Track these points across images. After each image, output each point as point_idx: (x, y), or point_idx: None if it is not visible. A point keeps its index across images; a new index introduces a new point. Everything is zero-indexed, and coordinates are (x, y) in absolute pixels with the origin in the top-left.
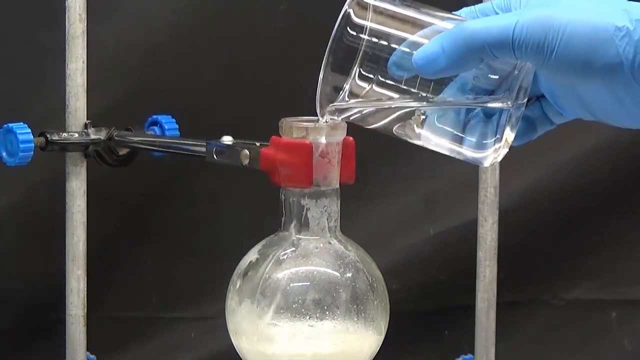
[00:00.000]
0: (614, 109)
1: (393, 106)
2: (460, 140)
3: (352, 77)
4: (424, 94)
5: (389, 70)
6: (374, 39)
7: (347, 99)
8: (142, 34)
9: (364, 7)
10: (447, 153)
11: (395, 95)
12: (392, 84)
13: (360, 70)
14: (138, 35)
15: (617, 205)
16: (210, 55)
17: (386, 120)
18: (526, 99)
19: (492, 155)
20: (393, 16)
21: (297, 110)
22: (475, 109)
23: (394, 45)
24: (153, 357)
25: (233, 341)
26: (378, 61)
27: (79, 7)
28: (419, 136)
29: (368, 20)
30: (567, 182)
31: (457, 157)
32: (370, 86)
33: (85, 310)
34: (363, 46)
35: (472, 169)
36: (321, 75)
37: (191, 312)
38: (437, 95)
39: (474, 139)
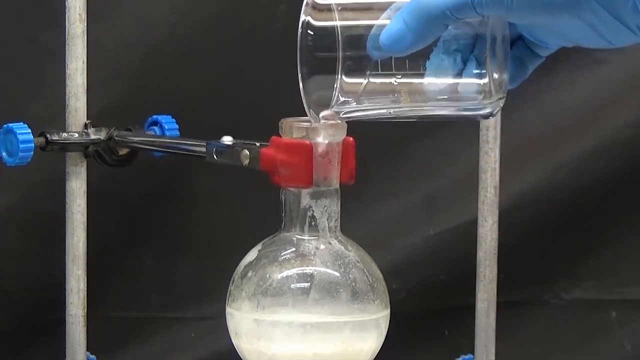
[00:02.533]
0: (589, 35)
1: (391, 111)
2: (456, 97)
3: (339, 77)
4: (415, 71)
5: (371, 56)
6: (345, 35)
7: (341, 98)
8: (142, 34)
9: (322, 9)
10: (445, 113)
11: (390, 80)
12: (384, 72)
13: (346, 68)
14: (138, 35)
15: (617, 205)
16: (210, 55)
17: (383, 109)
18: (508, 45)
19: (489, 106)
20: (354, 8)
21: (297, 110)
22: (464, 64)
23: (364, 34)
24: (153, 357)
25: (233, 341)
26: (357, 54)
27: (79, 7)
28: (413, 107)
29: (335, 20)
30: (567, 182)
31: (457, 117)
32: (366, 80)
33: (85, 310)
34: (340, 43)
35: (472, 168)
36: (301, 86)
37: (191, 312)
38: (424, 66)
39: (469, 95)
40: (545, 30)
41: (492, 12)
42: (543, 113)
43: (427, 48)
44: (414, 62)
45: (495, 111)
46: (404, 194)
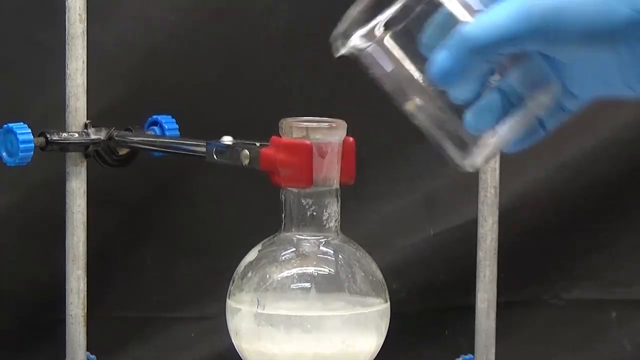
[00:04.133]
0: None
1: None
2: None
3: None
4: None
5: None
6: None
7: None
8: (142, 34)
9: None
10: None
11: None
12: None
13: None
14: (138, 35)
15: (616, 205)
16: (210, 55)
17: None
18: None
19: (475, 155)
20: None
21: (297, 110)
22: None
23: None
24: (153, 357)
25: (233, 341)
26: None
27: (79, 7)
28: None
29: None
30: (567, 182)
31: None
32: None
33: (85, 310)
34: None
35: None
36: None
37: (191, 312)
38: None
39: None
40: (586, 65)
41: (537, 47)
42: None
43: None
44: None
45: (475, 162)
46: (404, 194)
